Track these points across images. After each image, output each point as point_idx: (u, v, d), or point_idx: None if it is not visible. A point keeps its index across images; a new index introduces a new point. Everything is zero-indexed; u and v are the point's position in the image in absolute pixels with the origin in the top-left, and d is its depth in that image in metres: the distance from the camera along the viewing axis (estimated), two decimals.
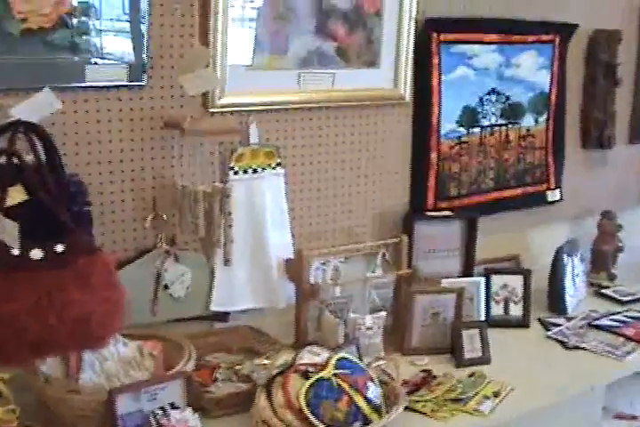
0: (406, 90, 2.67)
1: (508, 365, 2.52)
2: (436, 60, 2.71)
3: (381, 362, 2.34)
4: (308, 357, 2.14)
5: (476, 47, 2.82)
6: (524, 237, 3.19)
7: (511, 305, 2.83)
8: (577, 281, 3.03)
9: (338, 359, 2.10)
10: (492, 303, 2.82)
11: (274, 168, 2.45)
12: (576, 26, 3.08)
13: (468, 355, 2.51)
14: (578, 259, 3.07)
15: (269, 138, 2.46)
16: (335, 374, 2.04)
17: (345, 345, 2.38)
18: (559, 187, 3.23)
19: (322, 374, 2.03)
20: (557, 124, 3.16)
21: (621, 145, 3.49)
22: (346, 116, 2.60)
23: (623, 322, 2.85)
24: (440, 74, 2.74)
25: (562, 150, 3.22)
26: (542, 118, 3.11)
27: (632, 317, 2.91)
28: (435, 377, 2.40)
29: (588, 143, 3.30)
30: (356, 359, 2.18)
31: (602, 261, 3.31)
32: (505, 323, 2.81)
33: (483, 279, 2.73)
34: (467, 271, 2.83)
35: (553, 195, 3.20)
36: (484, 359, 2.51)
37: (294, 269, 2.47)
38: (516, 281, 2.84)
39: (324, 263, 2.51)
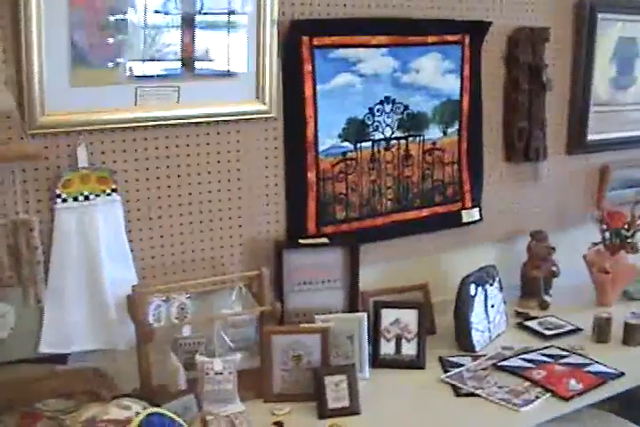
0: (272, 102, 2.44)
1: (382, 415, 2.30)
2: (308, 68, 2.48)
3: (210, 417, 2.13)
4: (114, 412, 1.95)
5: (361, 51, 2.57)
6: (437, 263, 2.92)
7: (404, 343, 2.58)
8: (491, 313, 2.75)
9: (146, 415, 1.91)
10: (382, 341, 2.58)
11: (109, 194, 2.26)
12: (488, 24, 2.80)
13: (332, 404, 2.29)
14: (495, 288, 2.79)
15: (106, 161, 2.26)
16: None
17: (183, 393, 2.20)
18: (477, 206, 2.96)
19: None
20: (472, 136, 2.89)
21: (558, 156, 3.21)
22: (198, 134, 2.39)
23: (537, 362, 2.58)
24: (315, 83, 2.51)
25: (479, 165, 2.95)
26: (452, 129, 2.84)
27: (550, 355, 2.64)
28: None
29: (512, 156, 3.01)
30: (171, 414, 1.97)
31: (532, 287, 3.04)
32: (396, 363, 2.58)
33: (364, 315, 2.48)
34: (351, 305, 2.58)
35: (469, 215, 2.93)
36: (352, 409, 2.29)
37: (132, 307, 2.27)
38: (409, 316, 2.60)
39: (166, 300, 2.30)
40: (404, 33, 2.64)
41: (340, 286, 2.58)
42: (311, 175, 2.56)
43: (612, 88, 3.26)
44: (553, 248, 3.02)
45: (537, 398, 2.36)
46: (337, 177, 2.61)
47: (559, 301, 3.07)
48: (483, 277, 2.73)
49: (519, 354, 2.64)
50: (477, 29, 2.79)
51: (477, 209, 2.96)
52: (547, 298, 3.03)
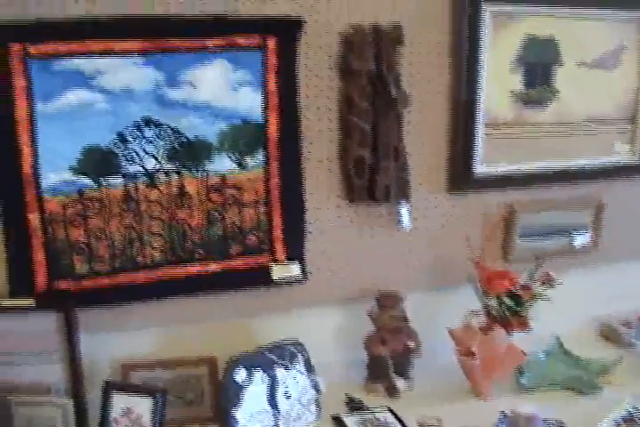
0: None
1: None
2: (21, 83, 2.05)
3: None
4: None
5: (101, 61, 2.08)
6: (238, 331, 2.36)
7: None
8: (283, 406, 2.18)
9: None
10: None
11: None
12: (298, 22, 2.20)
13: None
14: (296, 371, 2.20)
15: None
16: None
17: None
18: (296, 259, 2.35)
19: None
20: (286, 169, 2.32)
21: (434, 195, 2.51)
22: None
23: None
24: (32, 102, 2.05)
25: (298, 206, 2.37)
26: (254, 161, 2.27)
27: None
28: None
29: (353, 195, 2.37)
30: None
31: (378, 367, 2.39)
32: None
33: (68, 402, 2.01)
34: (76, 384, 2.09)
35: (284, 270, 2.34)
36: None
37: None
38: (142, 405, 2.08)
39: None
40: (167, 35, 2.11)
41: (59, 359, 2.10)
42: (33, 218, 2.12)
43: (518, 104, 2.52)
44: (405, 318, 2.36)
45: None
46: (72, 221, 2.14)
47: (424, 386, 2.41)
48: (266, 358, 2.15)
49: None
50: (285, 30, 2.20)
51: (297, 263, 2.36)
52: (399, 382, 2.38)
